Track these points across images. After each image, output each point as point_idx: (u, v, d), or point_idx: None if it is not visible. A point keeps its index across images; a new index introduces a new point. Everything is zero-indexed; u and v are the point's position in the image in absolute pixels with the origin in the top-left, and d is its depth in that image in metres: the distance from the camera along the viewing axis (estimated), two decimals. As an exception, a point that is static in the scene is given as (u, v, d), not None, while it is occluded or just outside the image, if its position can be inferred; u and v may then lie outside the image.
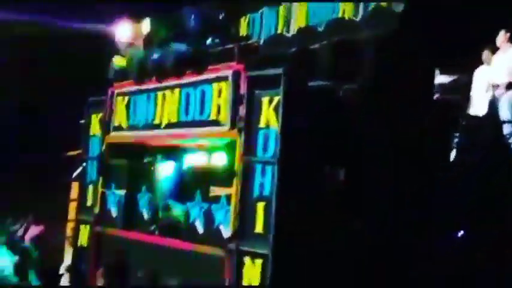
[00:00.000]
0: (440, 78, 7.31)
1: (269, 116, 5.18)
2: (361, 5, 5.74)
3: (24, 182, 15.76)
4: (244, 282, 5.16)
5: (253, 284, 5.09)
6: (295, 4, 6.82)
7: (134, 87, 6.96)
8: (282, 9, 7.02)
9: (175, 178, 6.96)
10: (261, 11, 7.26)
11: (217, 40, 6.12)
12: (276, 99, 5.11)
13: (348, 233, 5.11)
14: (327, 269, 4.98)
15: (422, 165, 5.54)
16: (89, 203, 7.61)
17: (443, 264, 5.47)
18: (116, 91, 7.26)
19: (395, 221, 5.29)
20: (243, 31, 7.21)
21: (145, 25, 6.97)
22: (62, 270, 8.19)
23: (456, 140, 6.42)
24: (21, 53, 16.48)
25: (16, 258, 6.88)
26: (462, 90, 7.78)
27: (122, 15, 7.30)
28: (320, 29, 5.79)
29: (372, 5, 5.58)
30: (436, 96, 6.65)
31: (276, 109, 5.11)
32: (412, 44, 5.51)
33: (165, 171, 7.04)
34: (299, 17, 6.83)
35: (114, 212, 7.25)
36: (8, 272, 6.71)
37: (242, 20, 7.33)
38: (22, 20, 15.39)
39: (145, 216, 7.03)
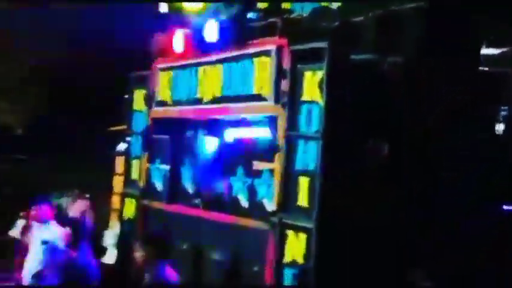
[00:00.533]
0: (488, 50, 7.13)
1: (312, 90, 5.15)
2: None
3: (69, 156, 16.13)
4: (287, 255, 5.20)
5: (296, 257, 5.13)
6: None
7: (177, 63, 6.98)
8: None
9: (218, 153, 7.00)
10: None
11: (260, 13, 6.07)
12: (320, 73, 5.08)
13: (392, 207, 5.08)
14: (370, 244, 4.98)
15: (467, 137, 5.44)
16: (134, 177, 7.70)
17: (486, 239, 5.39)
18: (159, 66, 7.29)
19: (438, 195, 5.24)
20: (285, 4, 7.14)
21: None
22: (107, 242, 8.37)
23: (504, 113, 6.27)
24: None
25: (66, 230, 7.01)
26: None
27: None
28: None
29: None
30: (482, 68, 6.50)
31: (319, 83, 5.08)
32: (458, 16, 5.40)
33: (208, 146, 7.07)
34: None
35: (159, 186, 7.34)
36: (60, 244, 6.86)
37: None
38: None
39: (190, 190, 7.10)
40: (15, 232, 8.21)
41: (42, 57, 17.90)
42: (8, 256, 8.04)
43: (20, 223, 8.35)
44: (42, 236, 6.92)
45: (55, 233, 7.00)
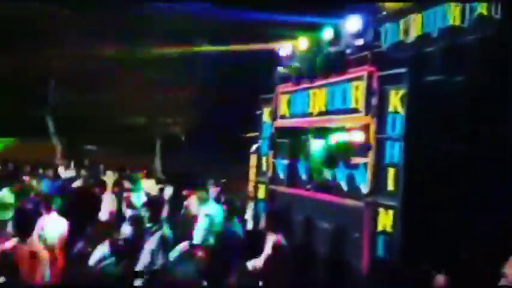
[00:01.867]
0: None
1: (396, 104, 5.04)
2: (467, 13, 5.32)
3: (220, 154, 16.65)
4: (379, 226, 5.09)
5: (386, 227, 5.01)
6: (412, 16, 6.52)
7: (293, 88, 7.03)
8: (402, 22, 6.71)
9: (324, 151, 6.96)
10: (384, 25, 7.01)
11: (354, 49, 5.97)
12: (401, 91, 4.96)
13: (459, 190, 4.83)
14: (442, 217, 4.76)
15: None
16: (264, 169, 7.82)
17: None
18: (280, 91, 7.37)
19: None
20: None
21: (302, 43, 6.95)
22: (247, 215, 8.49)
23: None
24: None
25: (222, 207, 7.17)
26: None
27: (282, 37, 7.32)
28: (434, 35, 5.45)
29: (477, 13, 5.15)
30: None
31: (401, 99, 4.97)
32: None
33: (316, 146, 7.05)
34: (416, 26, 6.49)
35: (281, 175, 7.40)
36: (218, 220, 7.01)
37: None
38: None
39: (303, 178, 7.10)
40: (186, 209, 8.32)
41: (198, 86, 18.69)
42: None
43: (186, 202, 8.61)
44: (205, 211, 7.11)
45: (214, 209, 7.17)
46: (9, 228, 4.71)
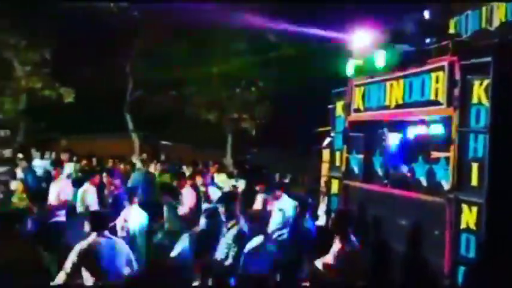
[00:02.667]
0: None
1: (480, 95, 4.81)
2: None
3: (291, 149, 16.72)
4: (462, 223, 4.89)
5: (470, 227, 4.81)
6: (495, 4, 6.20)
7: (368, 80, 6.89)
8: (484, 9, 6.41)
9: (401, 145, 6.78)
10: (465, 13, 6.72)
11: (433, 39, 5.75)
12: (486, 81, 4.73)
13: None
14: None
15: None
16: (337, 163, 7.75)
17: None
18: (354, 83, 7.26)
19: None
20: (452, 30, 6.70)
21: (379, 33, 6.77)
22: (320, 211, 8.47)
23: None
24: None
25: (295, 202, 7.21)
26: None
27: (356, 26, 7.15)
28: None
29: None
30: None
31: (486, 89, 4.73)
32: None
33: (393, 140, 6.87)
34: (499, 14, 6.18)
35: (356, 170, 7.29)
36: (291, 214, 7.04)
37: (451, 21, 6.83)
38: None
39: (379, 173, 6.95)
40: (257, 204, 8.42)
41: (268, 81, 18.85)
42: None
43: (259, 197, 8.70)
44: (278, 206, 7.18)
45: (287, 203, 7.23)
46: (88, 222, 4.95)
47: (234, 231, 5.45)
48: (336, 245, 5.01)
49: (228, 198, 6.17)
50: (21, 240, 7.10)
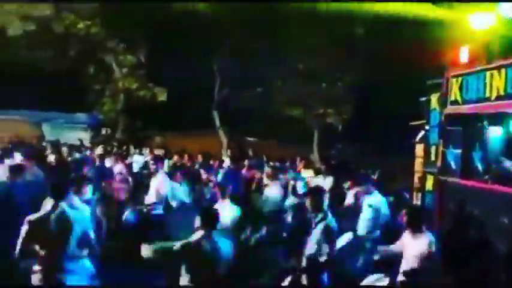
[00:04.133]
0: None
1: None
2: None
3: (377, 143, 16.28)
4: None
5: None
6: None
7: (467, 70, 6.53)
8: None
9: (504, 138, 6.34)
10: None
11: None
12: None
13: None
14: None
15: None
16: (433, 158, 7.43)
17: None
18: (451, 74, 6.91)
19: None
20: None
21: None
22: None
23: None
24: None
25: (387, 198, 7.02)
26: None
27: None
28: None
29: None
30: None
31: None
32: None
33: (494, 133, 6.45)
34: None
35: (453, 165, 6.94)
36: (383, 211, 6.86)
37: None
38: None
39: (479, 168, 6.57)
40: (349, 200, 8.24)
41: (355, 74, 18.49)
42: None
43: (349, 192, 8.52)
44: (369, 202, 7.05)
45: (378, 199, 7.08)
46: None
47: (321, 225, 5.36)
48: (407, 240, 4.86)
49: (314, 192, 6.08)
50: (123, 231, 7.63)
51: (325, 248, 5.28)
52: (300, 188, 8.69)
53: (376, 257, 5.59)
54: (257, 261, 6.61)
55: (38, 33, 18.98)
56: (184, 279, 4.75)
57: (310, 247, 5.41)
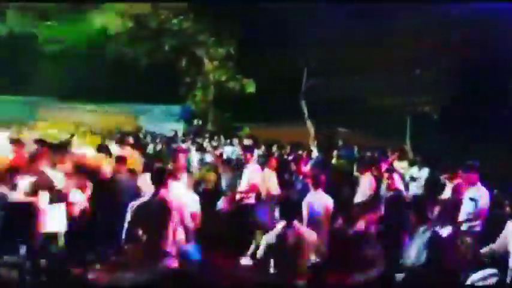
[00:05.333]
0: None
1: None
2: None
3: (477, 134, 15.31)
4: None
5: None
6: None
7: None
8: None
9: None
10: None
11: None
12: None
13: None
14: None
15: None
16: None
17: None
18: None
19: None
20: None
21: None
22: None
23: None
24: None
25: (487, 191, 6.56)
26: None
27: None
28: None
29: None
30: None
31: None
32: None
33: None
34: None
35: None
36: (485, 204, 6.47)
37: None
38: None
39: None
40: (446, 193, 7.77)
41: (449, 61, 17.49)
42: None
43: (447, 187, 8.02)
44: (469, 194, 6.62)
45: (480, 192, 6.64)
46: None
47: (427, 235, 5.13)
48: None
49: (418, 202, 5.78)
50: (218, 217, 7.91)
51: (426, 256, 5.05)
52: (395, 181, 8.39)
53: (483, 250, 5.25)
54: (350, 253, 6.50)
55: (136, 29, 20.11)
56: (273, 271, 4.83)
57: (411, 253, 5.18)
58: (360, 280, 5.40)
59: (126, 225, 4.98)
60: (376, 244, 5.86)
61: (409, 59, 18.04)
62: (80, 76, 19.71)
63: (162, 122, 21.75)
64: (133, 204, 5.05)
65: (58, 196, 6.11)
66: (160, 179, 5.09)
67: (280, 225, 4.94)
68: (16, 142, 7.44)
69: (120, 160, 7.51)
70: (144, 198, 5.12)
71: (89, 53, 20.53)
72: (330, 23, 17.88)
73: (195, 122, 22.42)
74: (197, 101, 22.32)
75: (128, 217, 4.99)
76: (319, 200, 6.60)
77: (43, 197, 5.92)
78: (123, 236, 5.02)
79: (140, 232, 4.92)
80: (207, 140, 16.68)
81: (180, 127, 21.31)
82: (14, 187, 6.01)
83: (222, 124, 21.41)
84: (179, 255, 4.97)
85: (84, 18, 19.89)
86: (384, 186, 8.36)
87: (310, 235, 4.99)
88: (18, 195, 5.96)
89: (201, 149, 13.51)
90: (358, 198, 8.46)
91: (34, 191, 5.92)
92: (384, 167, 9.63)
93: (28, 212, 5.80)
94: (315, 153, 13.10)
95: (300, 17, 18.20)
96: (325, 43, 18.19)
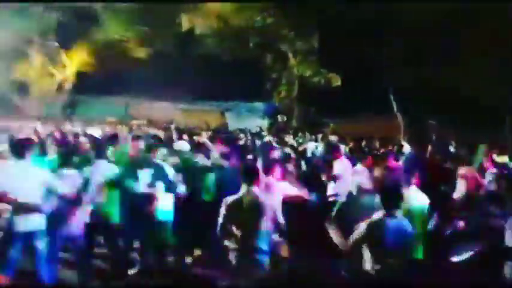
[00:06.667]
0: None
1: None
2: None
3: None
4: None
5: None
6: None
7: None
8: None
9: None
10: None
11: None
12: None
13: None
14: None
15: None
16: None
17: None
18: None
19: None
20: None
21: None
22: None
23: None
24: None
25: None
26: None
27: None
28: None
29: None
30: None
31: None
32: None
33: None
34: None
35: None
36: None
37: None
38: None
39: None
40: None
41: None
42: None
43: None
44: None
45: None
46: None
47: None
48: None
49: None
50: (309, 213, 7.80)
51: None
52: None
53: None
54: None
55: (221, 29, 20.54)
56: (368, 265, 4.71)
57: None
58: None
59: (220, 220, 5.05)
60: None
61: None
62: (170, 76, 20.55)
63: (247, 118, 22.06)
64: (227, 199, 5.10)
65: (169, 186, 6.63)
66: (250, 177, 5.11)
67: (378, 214, 4.83)
68: (136, 138, 8.16)
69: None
70: (238, 194, 5.16)
71: (177, 54, 21.33)
72: (418, 10, 17.10)
73: (279, 118, 22.49)
74: (282, 97, 22.37)
75: (221, 213, 5.06)
76: (415, 197, 6.29)
77: (159, 187, 6.47)
78: (217, 231, 5.09)
79: (234, 228, 4.96)
80: (291, 136, 16.60)
81: (264, 123, 21.49)
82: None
83: (307, 120, 21.25)
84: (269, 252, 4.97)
85: (172, 21, 20.68)
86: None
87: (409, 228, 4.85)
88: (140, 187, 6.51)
89: (283, 144, 13.45)
90: (454, 195, 7.99)
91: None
92: (486, 163, 9.06)
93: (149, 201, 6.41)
94: (406, 148, 12.56)
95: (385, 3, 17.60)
96: (414, 31, 17.43)
